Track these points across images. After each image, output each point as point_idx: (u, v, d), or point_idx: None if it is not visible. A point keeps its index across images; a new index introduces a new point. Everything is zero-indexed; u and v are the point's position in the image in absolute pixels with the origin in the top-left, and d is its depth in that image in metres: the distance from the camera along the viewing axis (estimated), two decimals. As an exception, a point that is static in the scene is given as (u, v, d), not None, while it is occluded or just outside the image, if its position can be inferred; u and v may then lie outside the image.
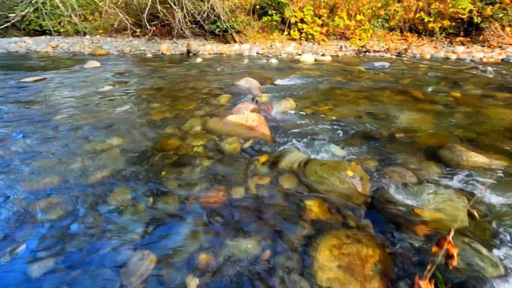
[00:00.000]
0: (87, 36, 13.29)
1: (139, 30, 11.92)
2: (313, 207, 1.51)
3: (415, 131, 2.74)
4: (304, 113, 3.19)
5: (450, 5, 9.67)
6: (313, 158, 2.08)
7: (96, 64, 6.33)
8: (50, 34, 13.45)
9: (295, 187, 1.70)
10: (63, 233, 1.40)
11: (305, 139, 2.41)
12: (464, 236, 1.33)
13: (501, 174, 1.86)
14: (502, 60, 7.59)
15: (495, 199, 1.60)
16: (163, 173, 1.87)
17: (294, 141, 2.38)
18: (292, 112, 3.24)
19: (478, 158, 2.00)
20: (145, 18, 6.49)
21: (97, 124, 2.75)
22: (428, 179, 1.83)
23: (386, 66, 6.51)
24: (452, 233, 0.96)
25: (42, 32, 13.90)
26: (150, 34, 12.48)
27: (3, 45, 10.90)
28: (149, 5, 6.96)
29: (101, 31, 13.41)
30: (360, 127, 2.81)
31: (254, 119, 2.52)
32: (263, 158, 2.04)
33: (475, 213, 1.45)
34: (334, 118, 3.09)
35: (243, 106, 2.97)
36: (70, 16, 10.27)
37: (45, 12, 9.05)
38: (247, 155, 2.11)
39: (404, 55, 8.42)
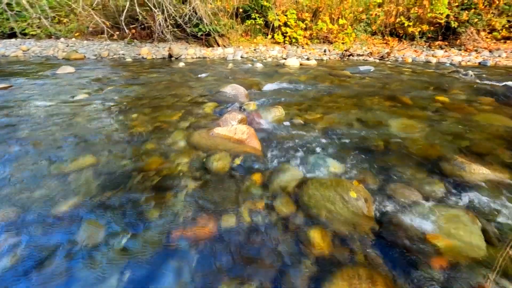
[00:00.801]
0: (62, 39, 12.65)
1: (117, 33, 11.47)
2: (316, 238, 1.33)
3: (410, 140, 2.64)
4: (294, 122, 3.03)
5: (428, 10, 9.91)
6: (310, 176, 1.91)
7: (70, 69, 5.92)
8: (23, 37, 12.73)
9: (294, 213, 1.52)
10: (15, 286, 1.15)
11: (298, 153, 2.24)
12: (485, 268, 1.19)
13: (508, 188, 1.77)
14: (479, 63, 7.82)
15: (508, 218, 1.49)
16: (142, 200, 1.64)
17: (287, 155, 2.21)
18: (282, 121, 3.08)
19: (481, 171, 1.91)
20: (122, 21, 6.15)
21: (68, 140, 2.46)
22: (433, 196, 1.71)
23: (371, 70, 6.50)
24: (490, 281, 0.80)
25: (12, 34, 13.08)
26: (129, 37, 12.05)
27: (-33, 49, 10.14)
28: (127, 7, 6.61)
29: (77, 34, 12.80)
30: (353, 137, 2.68)
31: (243, 132, 2.32)
32: (256, 178, 1.84)
33: (493, 238, 1.33)
34: (326, 127, 2.94)
35: (231, 116, 2.77)
36: (40, 18, 9.70)
37: (11, 14, 8.46)
38: (237, 175, 1.90)
39: (386, 59, 8.51)
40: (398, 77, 5.76)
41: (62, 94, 3.99)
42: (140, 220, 1.49)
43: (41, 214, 1.53)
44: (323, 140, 2.56)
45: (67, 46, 11.17)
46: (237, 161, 2.02)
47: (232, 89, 3.96)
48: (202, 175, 1.90)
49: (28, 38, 12.94)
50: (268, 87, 4.90)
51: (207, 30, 9.38)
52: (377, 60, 8.39)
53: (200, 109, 3.36)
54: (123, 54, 9.10)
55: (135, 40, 12.03)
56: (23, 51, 10.06)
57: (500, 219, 1.47)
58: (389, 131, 2.87)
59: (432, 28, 10.28)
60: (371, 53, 8.95)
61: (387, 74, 6.16)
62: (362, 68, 6.63)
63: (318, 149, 2.32)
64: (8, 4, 9.94)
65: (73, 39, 12.55)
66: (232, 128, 2.37)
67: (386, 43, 11.00)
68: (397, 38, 11.15)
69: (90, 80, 5.09)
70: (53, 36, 13.08)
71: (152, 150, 2.25)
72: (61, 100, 3.70)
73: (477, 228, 1.38)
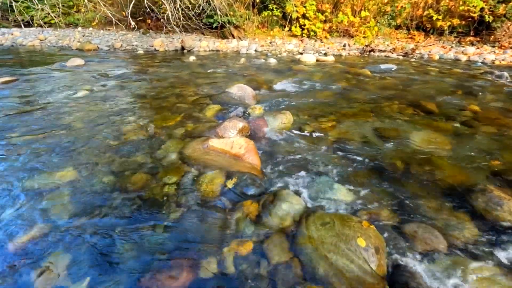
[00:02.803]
0: (79, 29, 12.73)
1: (127, 23, 11.35)
2: (311, 304, 1.08)
3: (434, 160, 2.29)
4: (303, 132, 2.74)
5: (460, 3, 9.11)
6: (313, 205, 1.64)
7: (79, 62, 5.83)
8: (44, 25, 12.92)
9: (288, 262, 1.26)
10: None
11: (302, 174, 1.96)
12: None
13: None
14: (515, 63, 7.11)
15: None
16: (116, 231, 1.43)
17: (289, 176, 1.93)
18: (289, 130, 2.79)
19: (523, 212, 1.56)
20: (129, 14, 5.97)
21: (52, 147, 2.28)
22: (463, 245, 1.40)
23: (393, 69, 6.02)
24: None
25: (31, 23, 13.25)
26: (145, 28, 11.92)
27: (-12, 37, 10.37)
28: (133, 0, 6.43)
29: (95, 23, 12.83)
30: (368, 154, 2.36)
31: (241, 146, 2.07)
32: (248, 208, 1.59)
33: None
34: (337, 139, 2.63)
35: (231, 125, 2.51)
36: (57, 7, 9.70)
37: (35, 2, 8.47)
38: (227, 201, 1.66)
39: (411, 56, 7.91)
40: (422, 78, 5.28)
41: (63, 90, 3.87)
42: (108, 259, 1.28)
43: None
44: (333, 157, 2.26)
45: (83, 36, 11.21)
46: (230, 183, 1.78)
47: (238, 90, 3.69)
48: (188, 200, 1.66)
49: (49, 27, 13.11)
50: (279, 86, 4.59)
51: (222, 21, 9.06)
52: (401, 57, 7.82)
53: (202, 112, 3.12)
54: (136, 46, 8.98)
55: (150, 30, 11.91)
56: (40, 40, 10.16)
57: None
58: (410, 147, 2.53)
59: (463, 22, 9.48)
60: (394, 48, 8.36)
61: (410, 74, 5.67)
62: (383, 66, 6.15)
63: (325, 169, 2.04)
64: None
65: (90, 28, 12.59)
66: (229, 141, 2.12)
67: (411, 37, 10.30)
68: (423, 33, 10.41)
69: (96, 74, 4.96)
70: (71, 25, 13.19)
71: (139, 164, 2.04)
72: (61, 97, 3.57)
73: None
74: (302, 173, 1.98)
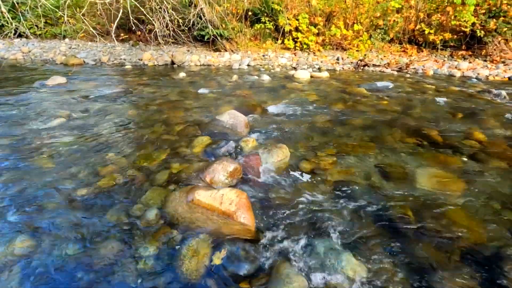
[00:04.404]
0: (66, 40, 12.37)
1: (121, 35, 11.07)
2: None
3: (445, 208, 2.06)
4: (300, 173, 2.48)
5: (452, 17, 9.14)
6: (318, 286, 1.36)
7: (61, 80, 5.49)
8: (29, 37, 12.52)
9: None
10: None
11: (303, 237, 1.69)
12: None
13: None
14: (509, 78, 7.06)
15: None
16: None
17: (288, 242, 1.66)
18: (285, 169, 2.53)
19: None
20: (113, 31, 5.70)
21: (8, 205, 1.95)
22: None
23: (390, 87, 5.87)
24: None
25: (19, 35, 12.86)
26: (135, 40, 11.64)
27: (-33, 50, 9.92)
28: (119, 16, 6.17)
29: (82, 34, 12.47)
30: (374, 203, 2.11)
31: (232, 201, 1.79)
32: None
33: None
34: (339, 181, 2.38)
35: (220, 167, 2.24)
36: (42, 17, 9.36)
37: (21, 12, 8.10)
38: (214, 285, 1.37)
39: (405, 71, 7.81)
40: (420, 98, 5.12)
41: (36, 117, 3.53)
42: None
43: None
44: (336, 209, 2.00)
45: (69, 48, 10.86)
46: (218, 258, 1.49)
47: (230, 117, 3.42)
48: (167, 286, 1.37)
49: (34, 38, 12.72)
50: (273, 109, 4.35)
51: (214, 33, 8.85)
52: (395, 72, 7.71)
53: (189, 147, 2.83)
54: (124, 59, 8.67)
55: (140, 42, 11.64)
56: (24, 53, 9.76)
57: None
58: (419, 191, 2.29)
59: (455, 36, 9.51)
60: (388, 63, 8.26)
61: (408, 92, 5.51)
62: (379, 84, 6.00)
63: (329, 229, 1.77)
64: (13, 5, 9.63)
65: (78, 39, 12.22)
66: (218, 194, 1.84)
67: (404, 51, 10.28)
68: (416, 46, 10.40)
69: (77, 96, 4.63)
70: (57, 37, 12.82)
71: (112, 226, 1.73)
72: (30, 128, 3.22)
73: None
74: (303, 236, 1.71)
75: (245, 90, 5.41)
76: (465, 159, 2.85)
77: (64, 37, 12.69)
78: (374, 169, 2.66)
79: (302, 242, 1.65)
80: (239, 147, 2.80)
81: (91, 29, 6.57)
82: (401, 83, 6.44)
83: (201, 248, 1.54)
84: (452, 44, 9.70)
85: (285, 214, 1.91)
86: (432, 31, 9.61)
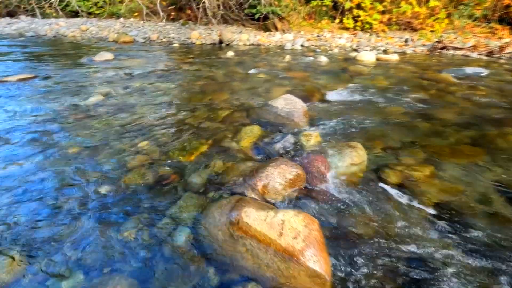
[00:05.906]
0: (121, 19, 12.59)
1: (173, 13, 10.89)
2: None
3: None
4: (384, 186, 1.78)
5: None
6: None
7: (108, 56, 5.32)
8: (88, 16, 13.05)
9: None
10: None
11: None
12: None
13: None
14: None
15: None
16: None
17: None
18: (362, 179, 1.85)
19: None
20: (158, 5, 5.29)
21: (17, 200, 1.59)
22: None
23: (483, 74, 4.66)
24: None
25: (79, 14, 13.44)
26: (185, 19, 11.39)
27: (35, 28, 10.54)
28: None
29: (136, 14, 12.60)
30: (500, 247, 1.35)
31: (298, 233, 1.18)
32: None
33: None
34: (442, 205, 1.64)
35: (276, 173, 1.64)
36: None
37: None
38: None
39: (498, 55, 6.31)
40: (530, 89, 3.92)
41: (76, 94, 3.27)
42: None
43: None
44: (445, 254, 1.29)
45: (123, 26, 10.96)
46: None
47: (285, 103, 2.78)
48: None
49: (93, 17, 13.20)
50: (335, 96, 3.60)
51: (265, 12, 8.11)
52: (484, 57, 6.27)
53: (235, 138, 2.28)
54: (172, 38, 8.42)
55: (190, 21, 11.35)
56: (82, 31, 10.06)
57: None
58: None
59: None
60: (474, 46, 6.77)
61: (509, 82, 4.30)
62: (468, 70, 4.81)
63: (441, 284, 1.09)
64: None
65: (132, 19, 12.37)
66: (276, 219, 1.25)
67: (491, 32, 8.46)
68: (508, 26, 8.50)
69: (121, 72, 4.36)
70: (114, 16, 13.14)
71: (127, 246, 1.26)
72: (67, 105, 2.95)
73: None
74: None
75: (300, 72, 4.69)
76: None
77: (119, 16, 12.95)
78: (491, 187, 1.85)
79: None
80: (298, 143, 2.17)
81: (144, 7, 6.27)
82: (496, 69, 5.13)
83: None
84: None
85: (372, 256, 1.26)
86: (535, 7, 7.70)
